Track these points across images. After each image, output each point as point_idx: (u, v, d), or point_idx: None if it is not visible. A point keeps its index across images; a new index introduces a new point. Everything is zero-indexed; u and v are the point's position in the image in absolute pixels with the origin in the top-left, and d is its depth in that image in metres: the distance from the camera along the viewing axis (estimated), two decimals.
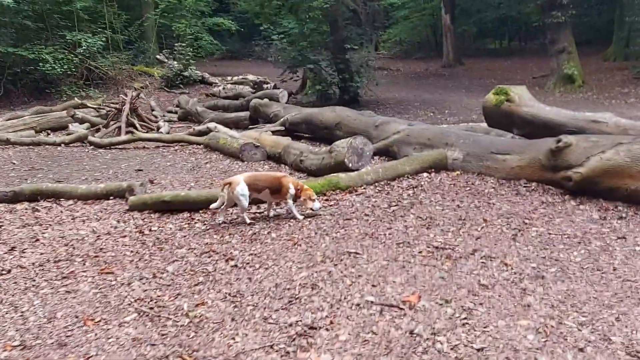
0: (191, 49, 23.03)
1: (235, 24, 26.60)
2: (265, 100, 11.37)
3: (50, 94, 18.08)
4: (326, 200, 5.77)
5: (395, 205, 5.45)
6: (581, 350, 2.73)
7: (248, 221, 5.16)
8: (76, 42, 18.09)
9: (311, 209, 5.16)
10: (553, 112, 6.34)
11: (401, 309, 3.31)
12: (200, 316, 3.35)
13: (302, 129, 9.58)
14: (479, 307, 3.27)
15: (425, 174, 6.45)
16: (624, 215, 4.61)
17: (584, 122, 5.98)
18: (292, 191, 5.14)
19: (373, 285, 3.67)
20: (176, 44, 22.86)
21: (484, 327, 3.02)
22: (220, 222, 5.13)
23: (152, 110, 14.71)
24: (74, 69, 17.87)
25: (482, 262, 3.92)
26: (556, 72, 16.31)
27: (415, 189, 5.97)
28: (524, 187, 5.63)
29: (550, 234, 4.36)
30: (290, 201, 5.20)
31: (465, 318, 3.15)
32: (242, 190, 4.96)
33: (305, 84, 17.71)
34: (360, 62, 14.26)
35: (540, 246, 4.14)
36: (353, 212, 5.29)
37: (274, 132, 9.31)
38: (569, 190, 5.22)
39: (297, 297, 3.53)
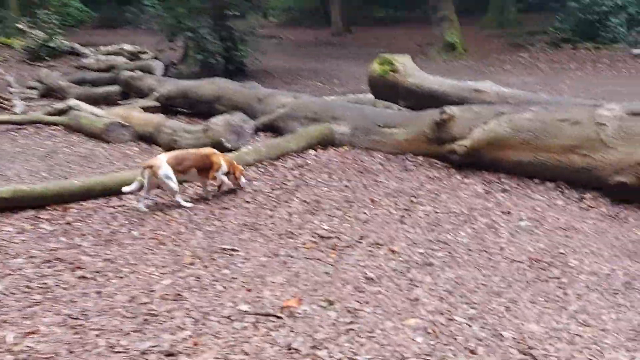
0: (57, 17, 20.63)
1: None
2: (139, 72, 10.25)
3: None
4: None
5: (278, 189, 4.99)
6: (472, 352, 2.48)
7: (186, 204, 4.61)
8: None
9: (239, 185, 4.88)
10: (437, 82, 6.20)
11: (279, 317, 2.87)
12: (28, 350, 2.67)
13: (180, 104, 8.73)
14: (365, 307, 2.92)
15: (312, 151, 6.03)
16: (507, 187, 4.54)
17: (467, 92, 5.89)
18: (224, 168, 4.71)
19: (249, 290, 3.19)
20: (39, 11, 20.33)
21: (370, 333, 2.68)
22: (142, 209, 4.53)
23: (10, 86, 12.85)
24: None
25: (369, 251, 3.60)
26: (438, 40, 16.68)
27: (301, 169, 5.54)
28: (411, 161, 5.43)
29: (437, 212, 4.16)
30: (222, 176, 4.74)
31: (350, 322, 2.78)
32: (166, 172, 4.44)
33: (187, 53, 16.53)
34: (245, 30, 13.45)
35: (428, 228, 3.91)
36: (231, 200, 4.76)
37: (147, 109, 8.38)
38: (455, 164, 5.08)
39: (155, 313, 2.96)
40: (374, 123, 5.97)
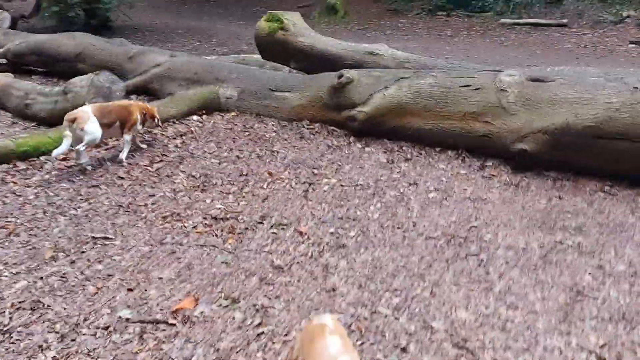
0: None
1: None
2: None
3: None
4: (64, 159, 4.31)
5: (159, 161, 4.32)
6: (404, 350, 2.18)
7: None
8: None
9: (158, 125, 4.63)
10: (331, 44, 5.80)
11: (171, 324, 2.35)
12: None
13: (33, 62, 7.39)
14: (275, 303, 2.50)
15: (195, 117, 5.36)
16: (409, 156, 4.33)
17: (362, 55, 5.57)
18: (139, 118, 4.33)
19: (130, 290, 2.61)
20: None
21: (285, 336, 2.27)
22: (84, 163, 4.03)
23: None
24: None
25: (274, 233, 3.16)
26: (320, 2, 16.30)
27: (184, 137, 4.88)
28: (308, 129, 5.01)
29: (342, 185, 3.82)
30: (128, 136, 4.27)
31: (259, 324, 2.35)
32: (93, 124, 3.98)
33: (40, 5, 14.37)
34: None
35: (335, 203, 3.56)
36: (101, 175, 4.00)
37: None
38: (354, 132, 4.76)
39: (5, 329, 2.28)
40: (265, 86, 5.44)
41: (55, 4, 11.71)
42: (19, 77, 7.40)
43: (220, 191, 3.76)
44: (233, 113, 5.47)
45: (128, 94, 5.90)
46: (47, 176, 4.00)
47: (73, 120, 3.94)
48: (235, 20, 15.83)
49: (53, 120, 5.10)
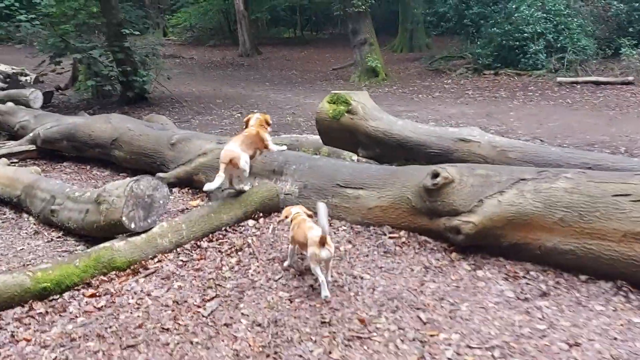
0: None
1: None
2: (9, 104, 8.01)
3: None
4: (94, 295, 3.38)
5: (213, 297, 3.34)
6: None
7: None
8: None
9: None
10: (409, 128, 4.87)
11: None
12: None
13: (65, 148, 6.70)
14: None
15: (250, 222, 4.44)
16: (544, 288, 3.24)
17: (450, 142, 4.61)
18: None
19: None
20: None
21: None
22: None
23: None
24: None
25: None
26: (359, 64, 15.71)
27: (240, 254, 3.92)
28: (391, 238, 4.00)
29: (470, 347, 2.73)
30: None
31: None
32: (246, 159, 4.22)
33: (76, 76, 14.13)
34: (146, 51, 11.52)
35: None
36: (139, 326, 3.03)
37: (19, 155, 6.33)
38: (456, 246, 3.73)
39: None
40: (332, 181, 4.52)
41: (91, 77, 11.29)
42: (49, 163, 6.72)
43: (300, 355, 2.73)
44: None
45: (170, 186, 5.06)
46: (70, 326, 3.05)
47: (229, 162, 4.10)
48: (272, 86, 15.32)
49: (82, 232, 4.26)
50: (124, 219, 3.77)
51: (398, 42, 22.53)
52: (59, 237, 4.48)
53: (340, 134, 5.14)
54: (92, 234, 4.17)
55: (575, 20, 14.12)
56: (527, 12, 14.02)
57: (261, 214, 4.54)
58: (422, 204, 3.90)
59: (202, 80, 16.67)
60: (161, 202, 4.02)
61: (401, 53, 21.69)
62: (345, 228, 4.26)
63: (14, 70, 15.66)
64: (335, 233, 4.17)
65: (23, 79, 15.31)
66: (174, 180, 5.46)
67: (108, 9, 11.04)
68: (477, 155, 4.46)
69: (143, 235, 3.85)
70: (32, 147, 6.61)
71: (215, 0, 26.82)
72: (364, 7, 14.85)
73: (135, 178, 3.96)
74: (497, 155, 4.38)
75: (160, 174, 5.34)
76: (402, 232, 4.05)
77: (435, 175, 3.81)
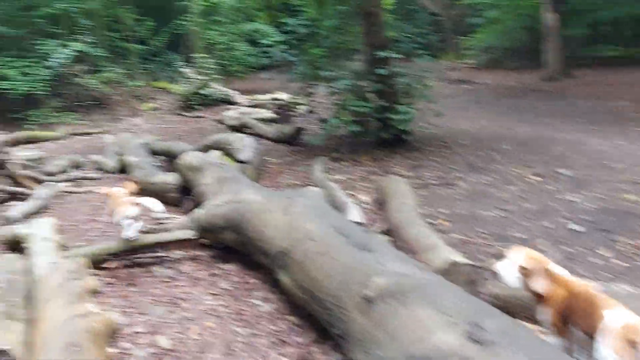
0: (215, 61, 18.54)
1: (277, 32, 21.31)
2: (202, 157, 5.95)
3: (16, 119, 14.13)
4: None
5: None
6: None
7: None
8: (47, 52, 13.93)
9: None
10: None
11: None
12: None
13: (230, 241, 4.23)
14: None
15: None
16: None
17: None
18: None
19: None
20: (196, 56, 18.49)
21: None
22: None
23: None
24: (42, 87, 13.75)
25: None
26: None
27: None
28: None
29: None
30: None
31: None
32: None
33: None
34: (410, 79, 8.69)
35: None
36: None
37: (165, 247, 4.11)
38: None
39: None
40: None
41: (347, 116, 8.93)
42: (204, 260, 4.31)
43: None
44: None
45: None
46: None
47: None
48: (589, 124, 10.63)
49: None
50: None
51: None
52: None
53: None
54: None
55: None
56: None
57: None
58: None
59: (489, 112, 13.06)
60: None
61: None
62: None
63: (293, 99, 14.87)
64: None
65: (299, 108, 14.42)
66: None
67: (371, 27, 8.59)
68: None
69: None
70: (190, 234, 4.32)
71: (519, 17, 22.70)
72: None
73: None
74: None
75: None
76: None
77: None
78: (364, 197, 6.30)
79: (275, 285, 3.65)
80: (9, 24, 14.47)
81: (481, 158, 7.97)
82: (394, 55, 8.33)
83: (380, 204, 5.71)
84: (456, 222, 5.32)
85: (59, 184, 7.31)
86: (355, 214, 4.76)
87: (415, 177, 7.12)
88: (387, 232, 4.77)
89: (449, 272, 3.42)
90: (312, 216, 3.43)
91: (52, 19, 15.34)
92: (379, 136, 8.73)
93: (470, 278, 3.47)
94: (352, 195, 6.41)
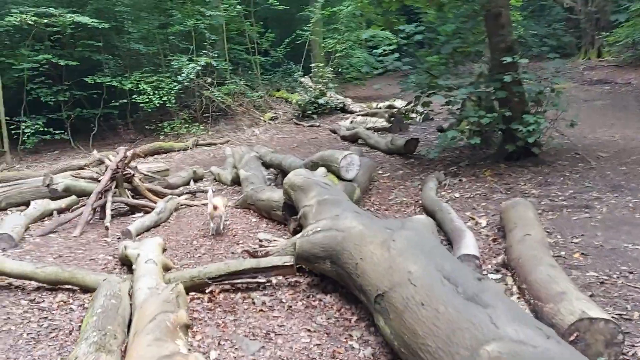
0: (333, 69, 18.62)
1: (395, 38, 20.84)
2: (308, 176, 5.61)
3: (151, 130, 15.33)
4: None
5: None
6: None
7: None
8: (179, 67, 14.87)
9: None
10: None
11: None
12: None
13: (328, 272, 3.93)
14: None
15: None
16: None
17: None
18: None
19: None
20: (312, 64, 18.69)
21: None
22: None
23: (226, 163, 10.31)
24: (173, 101, 14.73)
25: None
26: None
27: None
28: None
29: None
30: None
31: None
32: None
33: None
34: (539, 87, 7.83)
35: None
36: None
37: (264, 273, 3.96)
38: None
39: None
40: None
41: (472, 130, 8.28)
42: (302, 288, 4.09)
43: None
44: None
45: None
46: None
47: None
48: None
49: None
50: None
51: None
52: None
53: None
54: None
55: None
56: None
57: None
58: None
59: (633, 118, 11.45)
60: None
61: None
62: None
63: (407, 108, 14.32)
64: None
65: (415, 117, 13.87)
66: None
67: (496, 29, 7.87)
68: None
69: None
70: (288, 260, 4.10)
71: None
72: None
73: None
74: None
75: None
76: None
77: None
78: (482, 221, 5.70)
79: (374, 323, 3.30)
80: (145, 41, 15.75)
81: (624, 175, 6.88)
82: (521, 60, 7.52)
83: (502, 229, 5.10)
84: (592, 257, 4.52)
85: (179, 197, 7.61)
86: (469, 244, 4.25)
87: (544, 197, 6.31)
88: (507, 267, 4.18)
89: (581, 329, 2.82)
90: (416, 254, 3.03)
91: (183, 35, 16.42)
92: (502, 149, 7.97)
93: (611, 339, 2.84)
94: (470, 217, 5.83)
